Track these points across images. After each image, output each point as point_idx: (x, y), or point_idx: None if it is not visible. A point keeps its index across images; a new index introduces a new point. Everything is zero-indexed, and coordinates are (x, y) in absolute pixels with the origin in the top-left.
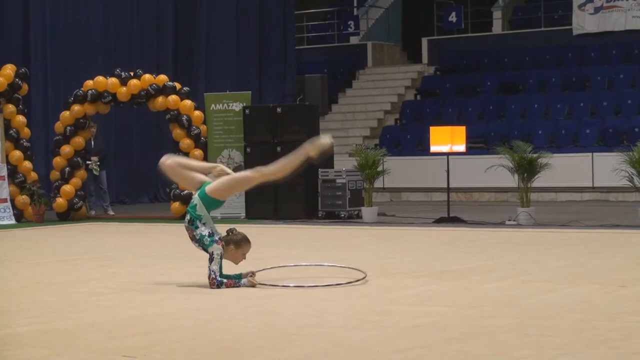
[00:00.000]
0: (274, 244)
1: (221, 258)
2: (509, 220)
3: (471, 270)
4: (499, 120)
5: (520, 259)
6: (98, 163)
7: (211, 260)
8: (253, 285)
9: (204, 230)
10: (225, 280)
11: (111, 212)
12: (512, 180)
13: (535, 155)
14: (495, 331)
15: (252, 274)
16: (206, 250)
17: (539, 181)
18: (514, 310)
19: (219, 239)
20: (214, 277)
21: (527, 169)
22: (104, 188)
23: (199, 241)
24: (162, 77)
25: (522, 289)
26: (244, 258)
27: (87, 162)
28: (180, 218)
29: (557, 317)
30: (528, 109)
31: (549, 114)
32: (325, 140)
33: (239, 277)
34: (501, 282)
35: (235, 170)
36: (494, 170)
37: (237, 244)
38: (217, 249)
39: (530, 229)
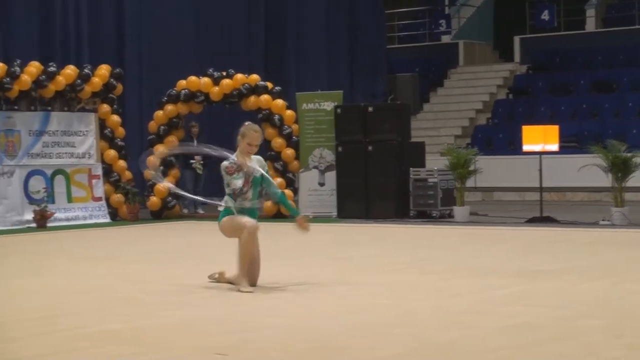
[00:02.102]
0: (364, 242)
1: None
2: (603, 220)
3: (564, 271)
4: (593, 119)
5: (614, 259)
6: (202, 162)
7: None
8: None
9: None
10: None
11: (201, 211)
12: (605, 180)
13: (629, 154)
14: (588, 332)
15: (306, 217)
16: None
17: (633, 181)
18: (607, 311)
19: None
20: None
21: (621, 169)
22: (200, 187)
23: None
24: (254, 77)
25: (615, 290)
26: (253, 147)
27: (191, 161)
28: (272, 217)
29: None
30: (622, 107)
31: None
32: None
33: (297, 213)
34: (594, 282)
35: (326, 169)
36: (588, 170)
37: (242, 135)
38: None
39: (624, 229)
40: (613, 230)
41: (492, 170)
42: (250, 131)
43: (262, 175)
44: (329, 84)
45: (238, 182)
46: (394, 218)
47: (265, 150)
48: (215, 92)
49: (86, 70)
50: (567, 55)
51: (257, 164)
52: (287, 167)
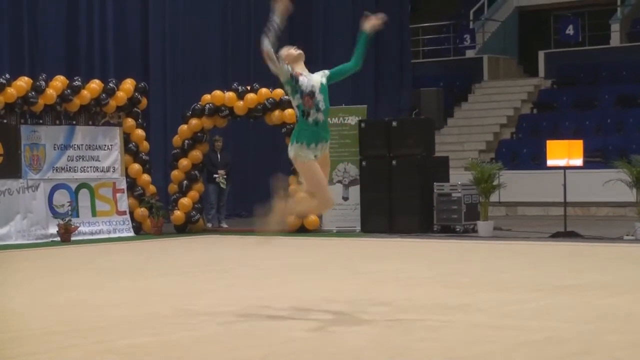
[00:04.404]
0: (388, 257)
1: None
2: (627, 235)
3: (588, 285)
4: (617, 134)
5: (638, 274)
6: (225, 176)
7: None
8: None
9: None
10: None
11: (225, 225)
12: (630, 195)
13: None
14: (612, 347)
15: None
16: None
17: None
18: (632, 326)
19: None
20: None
21: None
22: (224, 201)
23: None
24: (279, 91)
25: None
26: (294, 52)
27: (215, 175)
28: (296, 232)
29: None
30: None
31: None
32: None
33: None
34: (619, 297)
35: (350, 184)
36: (612, 185)
37: (281, 58)
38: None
39: None
40: (637, 246)
41: (516, 185)
42: (282, 49)
43: (327, 78)
44: (354, 99)
45: (285, 67)
46: (418, 232)
47: (289, 163)
48: (240, 106)
49: (111, 85)
50: (591, 69)
51: (319, 74)
52: None
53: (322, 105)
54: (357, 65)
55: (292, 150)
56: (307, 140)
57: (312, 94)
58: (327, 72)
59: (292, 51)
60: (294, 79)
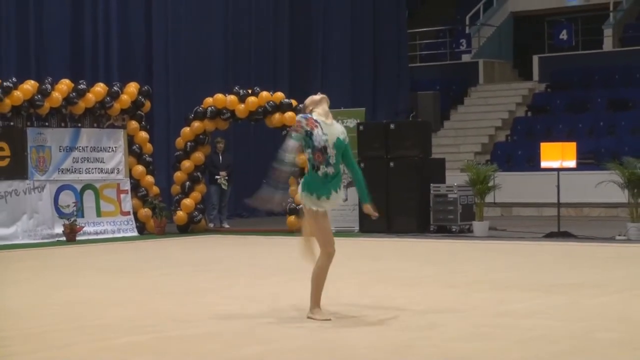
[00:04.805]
0: (386, 256)
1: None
2: (619, 235)
3: (581, 285)
4: (610, 136)
5: (630, 274)
6: (227, 178)
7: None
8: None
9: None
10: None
11: (226, 225)
12: (622, 196)
13: None
14: (605, 345)
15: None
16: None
17: None
18: (625, 325)
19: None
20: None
21: (637, 185)
22: (226, 202)
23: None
24: (279, 95)
25: (632, 304)
26: (317, 97)
27: (216, 176)
28: (296, 231)
29: None
30: (638, 124)
31: None
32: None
33: (367, 200)
34: (611, 296)
35: (348, 185)
36: (604, 186)
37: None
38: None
39: None
40: (629, 245)
41: (510, 186)
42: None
43: (345, 140)
44: (352, 102)
45: (290, 143)
46: (415, 233)
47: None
48: (241, 109)
49: (115, 88)
50: (584, 73)
51: (339, 130)
52: None
53: (332, 160)
54: (353, 173)
55: (302, 198)
56: (318, 192)
57: (324, 149)
58: (347, 140)
59: (314, 97)
60: (307, 135)
